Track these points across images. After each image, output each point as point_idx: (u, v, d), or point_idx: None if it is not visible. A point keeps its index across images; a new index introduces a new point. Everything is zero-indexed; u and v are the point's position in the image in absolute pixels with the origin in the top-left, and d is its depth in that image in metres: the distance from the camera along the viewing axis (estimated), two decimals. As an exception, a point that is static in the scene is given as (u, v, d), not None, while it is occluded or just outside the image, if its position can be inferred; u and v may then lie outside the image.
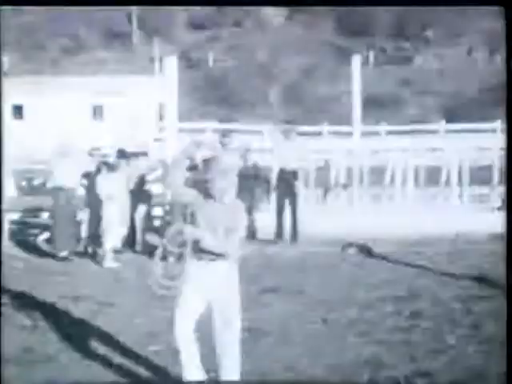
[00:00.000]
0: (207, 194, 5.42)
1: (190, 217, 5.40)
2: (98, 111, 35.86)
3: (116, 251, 11.14)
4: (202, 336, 5.55)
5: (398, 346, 6.88)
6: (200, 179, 5.46)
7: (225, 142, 12.43)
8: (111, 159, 12.10)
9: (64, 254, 11.24)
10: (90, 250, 11.59)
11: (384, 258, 11.09)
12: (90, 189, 11.44)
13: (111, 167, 11.44)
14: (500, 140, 14.62)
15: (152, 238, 12.14)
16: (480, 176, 14.31)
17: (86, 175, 11.63)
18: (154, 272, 5.55)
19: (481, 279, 9.54)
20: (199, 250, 5.32)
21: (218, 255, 5.32)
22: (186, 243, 5.38)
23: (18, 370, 6.33)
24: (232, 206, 5.40)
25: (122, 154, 12.25)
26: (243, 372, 5.73)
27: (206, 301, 5.41)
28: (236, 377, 5.50)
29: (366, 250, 11.52)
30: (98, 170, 11.51)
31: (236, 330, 5.45)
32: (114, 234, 11.07)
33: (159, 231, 12.16)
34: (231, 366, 5.45)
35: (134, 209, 11.84)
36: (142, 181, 12.16)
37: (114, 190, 11.13)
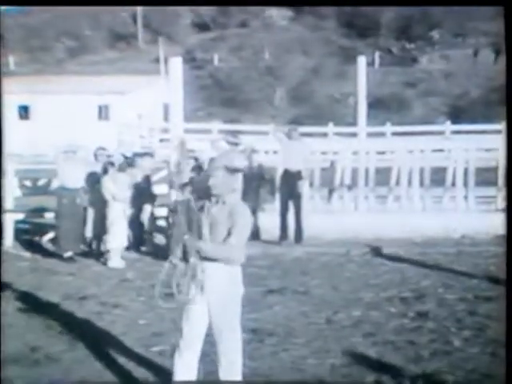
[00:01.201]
0: (209, 195, 5.32)
1: (194, 220, 5.34)
2: (103, 111, 35.93)
3: (121, 251, 11.13)
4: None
5: (403, 347, 6.87)
6: (203, 179, 5.41)
7: (234, 143, 12.43)
8: (116, 159, 12.09)
9: (69, 254, 11.24)
10: (95, 250, 11.59)
11: (389, 258, 11.07)
12: (96, 189, 11.43)
13: (116, 167, 11.44)
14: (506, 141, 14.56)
15: (160, 239, 12.13)
16: (486, 177, 14.27)
17: (92, 175, 11.63)
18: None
19: (486, 280, 9.52)
20: (202, 257, 5.26)
21: (220, 260, 5.25)
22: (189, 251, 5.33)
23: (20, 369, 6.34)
24: (234, 207, 5.27)
25: (128, 155, 12.26)
26: (248, 372, 5.72)
27: (208, 304, 5.33)
28: (237, 378, 5.43)
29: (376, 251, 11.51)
30: (104, 170, 11.51)
31: (237, 333, 5.37)
32: (119, 235, 11.07)
33: (164, 231, 12.17)
34: (232, 368, 5.36)
35: (139, 209, 11.84)
36: (147, 181, 12.16)
37: (120, 190, 11.13)
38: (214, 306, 5.31)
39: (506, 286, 6.16)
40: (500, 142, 14.66)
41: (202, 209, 5.35)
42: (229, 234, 5.17)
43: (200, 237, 5.29)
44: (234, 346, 5.35)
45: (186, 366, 5.42)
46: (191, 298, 5.32)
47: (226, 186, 5.25)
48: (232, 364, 5.36)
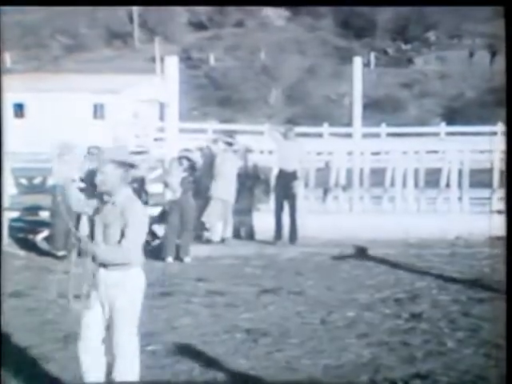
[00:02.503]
0: (100, 193, 4.95)
1: (90, 224, 5.02)
2: (98, 110, 35.88)
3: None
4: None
5: (397, 348, 6.88)
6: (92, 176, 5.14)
7: (230, 143, 12.49)
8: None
9: (63, 252, 11.22)
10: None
11: (383, 259, 11.08)
12: (88, 188, 11.42)
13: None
14: (501, 143, 14.60)
15: (158, 229, 12.08)
16: (480, 179, 14.30)
17: (88, 174, 11.61)
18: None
19: (480, 282, 9.54)
20: (98, 262, 4.93)
21: (116, 264, 4.89)
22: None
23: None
24: (126, 205, 4.86)
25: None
26: (242, 372, 5.71)
27: (108, 308, 5.00)
28: (133, 379, 5.10)
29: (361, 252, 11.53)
30: (94, 170, 11.48)
31: (130, 335, 5.00)
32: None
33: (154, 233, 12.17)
34: (126, 368, 5.03)
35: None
36: (141, 180, 12.15)
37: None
38: (112, 311, 4.97)
39: (506, 287, 6.16)
40: (495, 143, 14.71)
41: (97, 209, 5.00)
42: (122, 235, 4.80)
43: (93, 239, 4.97)
44: (129, 350, 4.99)
45: (92, 367, 5.08)
46: (89, 304, 4.97)
47: (116, 183, 4.89)
48: (126, 368, 5.01)
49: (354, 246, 11.82)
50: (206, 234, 12.48)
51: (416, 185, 13.84)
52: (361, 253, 11.50)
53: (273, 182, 13.01)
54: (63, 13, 52.04)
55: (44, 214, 12.29)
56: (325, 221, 12.99)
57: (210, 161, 12.45)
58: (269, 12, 56.44)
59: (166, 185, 11.59)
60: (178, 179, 11.38)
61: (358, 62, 24.08)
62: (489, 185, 13.79)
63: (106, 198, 4.93)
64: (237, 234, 12.79)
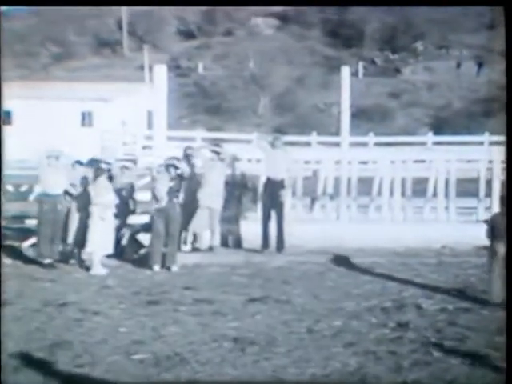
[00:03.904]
0: None
1: None
2: (86, 118, 35.82)
3: (101, 258, 11.08)
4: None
5: (384, 357, 6.89)
6: None
7: (217, 151, 12.50)
8: (100, 166, 12.03)
9: (49, 260, 11.18)
10: (76, 256, 11.53)
11: (370, 268, 11.10)
12: (79, 195, 11.41)
13: (100, 174, 11.38)
14: (487, 152, 14.70)
15: (144, 238, 12.03)
16: (467, 188, 14.36)
17: (77, 182, 11.57)
18: None
19: (466, 291, 9.57)
20: None
21: None
22: None
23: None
24: None
25: (110, 161, 12.24)
26: (229, 381, 5.71)
27: None
28: None
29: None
30: (87, 177, 11.47)
31: None
32: (102, 241, 11.02)
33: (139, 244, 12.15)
34: None
35: (122, 216, 11.80)
36: (130, 188, 12.13)
37: (102, 197, 11.09)
38: None
39: (506, 296, 6.18)
40: (481, 153, 14.77)
41: None
42: None
43: None
44: None
45: None
46: None
47: None
48: None
49: (349, 255, 11.81)
50: (193, 243, 12.47)
51: (403, 194, 13.87)
52: (357, 261, 11.49)
53: (260, 190, 13.01)
54: (52, 20, 51.97)
55: (30, 222, 12.24)
56: (312, 229, 12.99)
57: (192, 168, 12.46)
58: (257, 21, 56.55)
59: (153, 193, 11.58)
60: (165, 187, 11.37)
61: (346, 71, 24.22)
62: (475, 194, 13.85)
63: None
64: (224, 243, 12.78)
